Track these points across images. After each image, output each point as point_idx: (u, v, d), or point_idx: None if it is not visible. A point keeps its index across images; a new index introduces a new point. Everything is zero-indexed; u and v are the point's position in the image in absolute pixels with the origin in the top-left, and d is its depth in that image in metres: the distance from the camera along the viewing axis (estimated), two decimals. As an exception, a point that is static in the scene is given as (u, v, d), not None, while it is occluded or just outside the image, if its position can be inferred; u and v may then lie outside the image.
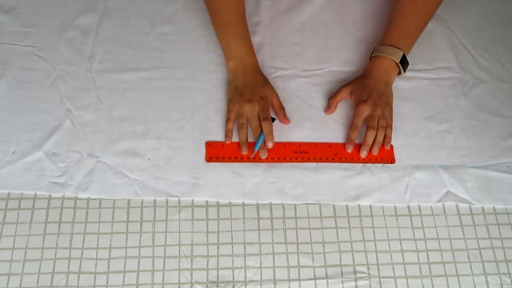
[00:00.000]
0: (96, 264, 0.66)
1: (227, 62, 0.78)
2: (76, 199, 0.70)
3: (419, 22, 0.79)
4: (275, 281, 0.65)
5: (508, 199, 0.72)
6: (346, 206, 0.71)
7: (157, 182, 0.71)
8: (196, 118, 0.76)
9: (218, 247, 0.67)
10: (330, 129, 0.76)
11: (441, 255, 0.68)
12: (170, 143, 0.74)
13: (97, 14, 0.85)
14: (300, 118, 0.77)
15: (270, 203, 0.71)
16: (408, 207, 0.71)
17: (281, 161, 0.73)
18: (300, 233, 0.69)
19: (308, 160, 0.73)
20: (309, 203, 0.71)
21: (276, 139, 0.73)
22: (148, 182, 0.71)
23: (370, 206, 0.71)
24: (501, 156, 0.75)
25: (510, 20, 0.89)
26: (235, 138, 0.74)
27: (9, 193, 0.70)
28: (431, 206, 0.71)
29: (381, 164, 0.74)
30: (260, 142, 0.72)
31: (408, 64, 0.77)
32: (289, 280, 0.65)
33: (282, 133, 0.75)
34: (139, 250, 0.67)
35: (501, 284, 0.67)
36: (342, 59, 0.83)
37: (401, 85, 0.80)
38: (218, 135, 0.75)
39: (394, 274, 0.66)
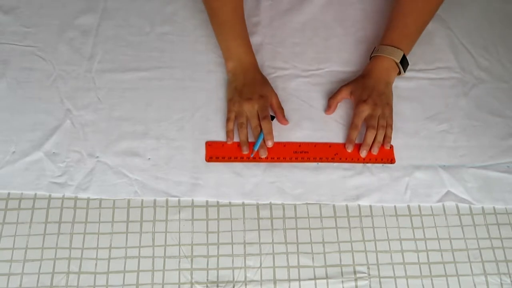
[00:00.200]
0: (96, 264, 0.66)
1: (226, 62, 0.78)
2: (76, 199, 0.70)
3: (419, 22, 0.79)
4: (275, 281, 0.65)
5: (508, 199, 0.72)
6: (346, 206, 0.71)
7: (157, 182, 0.71)
8: (196, 118, 0.76)
9: (218, 247, 0.67)
10: (330, 129, 0.76)
11: (441, 255, 0.68)
12: (170, 143, 0.74)
13: (97, 14, 0.85)
14: (300, 118, 0.77)
15: (270, 203, 0.71)
16: (408, 207, 0.71)
17: (281, 161, 0.73)
18: (300, 233, 0.69)
19: (308, 160, 0.73)
20: (309, 203, 0.71)
21: (276, 139, 0.73)
22: (148, 182, 0.71)
23: (370, 206, 0.71)
24: (501, 156, 0.75)
25: (510, 20, 0.89)
26: (236, 138, 0.74)
27: (9, 193, 0.70)
28: (431, 206, 0.71)
29: (381, 164, 0.74)
30: (260, 141, 0.72)
31: (408, 64, 0.77)
32: (289, 280, 0.65)
33: (282, 133, 0.75)
34: (139, 250, 0.67)
35: (501, 284, 0.67)
36: (342, 59, 0.83)
37: (401, 85, 0.80)
38: (218, 135, 0.75)
39: (394, 274, 0.66)
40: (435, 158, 0.74)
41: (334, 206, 0.71)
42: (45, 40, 0.82)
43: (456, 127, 0.77)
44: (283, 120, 0.75)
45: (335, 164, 0.73)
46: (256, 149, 0.72)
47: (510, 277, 0.67)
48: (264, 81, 0.77)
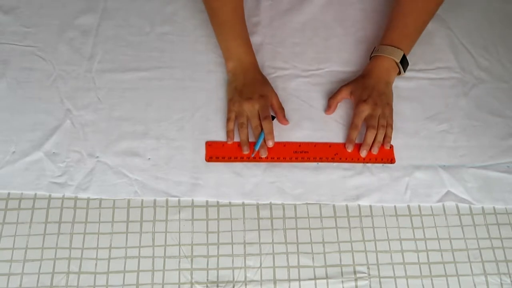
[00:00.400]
0: (96, 264, 0.66)
1: (226, 62, 0.78)
2: (76, 199, 0.70)
3: (419, 22, 0.79)
4: (275, 281, 0.65)
5: (508, 199, 0.72)
6: (346, 206, 0.71)
7: (157, 182, 0.71)
8: (196, 118, 0.76)
9: (218, 247, 0.67)
10: (330, 129, 0.76)
11: (441, 255, 0.68)
12: (170, 143, 0.74)
13: (97, 14, 0.85)
14: (300, 118, 0.77)
15: (270, 203, 0.71)
16: (408, 207, 0.71)
17: (281, 161, 0.73)
18: (300, 233, 0.69)
19: (308, 160, 0.73)
20: (309, 203, 0.71)
21: (276, 139, 0.73)
22: (148, 182, 0.71)
23: (370, 206, 0.71)
24: (501, 156, 0.75)
25: (510, 20, 0.89)
26: (236, 138, 0.74)
27: (9, 193, 0.70)
28: (431, 206, 0.71)
29: (381, 164, 0.74)
30: (261, 141, 0.72)
31: (408, 64, 0.77)
32: (289, 280, 0.65)
33: (282, 133, 0.75)
34: (139, 250, 0.67)
35: (501, 284, 0.67)
36: (342, 59, 0.83)
37: (401, 85, 0.80)
38: (218, 135, 0.75)
39: (394, 274, 0.66)
40: (435, 158, 0.74)
41: (334, 206, 0.71)
42: (45, 40, 0.82)
43: (456, 127, 0.77)
44: (284, 120, 0.75)
45: (335, 164, 0.73)
46: (257, 149, 0.72)
47: (510, 277, 0.67)
48: (264, 81, 0.77)
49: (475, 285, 0.66)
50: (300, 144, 0.74)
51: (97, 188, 0.70)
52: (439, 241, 0.69)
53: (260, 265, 0.66)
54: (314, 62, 0.82)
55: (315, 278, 0.66)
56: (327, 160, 0.73)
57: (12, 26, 0.83)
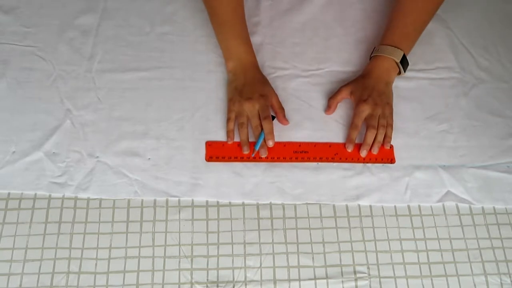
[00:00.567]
0: (96, 264, 0.66)
1: (226, 62, 0.78)
2: (76, 199, 0.70)
3: (419, 22, 0.79)
4: (275, 281, 0.65)
5: (508, 199, 0.72)
6: (346, 206, 0.71)
7: (157, 182, 0.71)
8: (196, 118, 0.76)
9: (218, 247, 0.67)
10: (330, 129, 0.76)
11: (441, 255, 0.68)
12: (170, 143, 0.74)
13: (97, 14, 0.85)
14: (300, 118, 0.77)
15: (270, 203, 0.71)
16: (408, 207, 0.71)
17: (281, 161, 0.73)
18: (300, 233, 0.69)
19: (308, 160, 0.73)
20: (309, 203, 0.71)
21: (276, 139, 0.73)
22: (148, 182, 0.71)
23: (370, 206, 0.71)
24: (501, 156, 0.75)
25: (510, 20, 0.89)
26: (236, 138, 0.74)
27: (9, 193, 0.70)
28: (431, 206, 0.71)
29: (381, 164, 0.74)
30: (261, 141, 0.72)
31: (408, 64, 0.77)
32: (289, 280, 0.65)
33: (282, 133, 0.75)
34: (139, 250, 0.67)
35: (501, 284, 0.67)
36: (342, 59, 0.83)
37: (401, 85, 0.80)
38: (218, 135, 0.75)
39: (394, 274, 0.66)
40: (435, 158, 0.74)
41: (334, 206, 0.71)
42: (45, 40, 0.82)
43: (456, 127, 0.77)
44: (284, 120, 0.75)
45: (335, 164, 0.73)
46: (257, 149, 0.72)
47: (510, 277, 0.67)
48: (264, 81, 0.77)
49: (475, 285, 0.66)
50: (300, 144, 0.74)
51: (97, 188, 0.70)
52: (439, 241, 0.69)
53: (260, 265, 0.66)
54: (314, 62, 0.82)
55: (315, 278, 0.66)
56: (327, 160, 0.73)
57: (12, 26, 0.83)
